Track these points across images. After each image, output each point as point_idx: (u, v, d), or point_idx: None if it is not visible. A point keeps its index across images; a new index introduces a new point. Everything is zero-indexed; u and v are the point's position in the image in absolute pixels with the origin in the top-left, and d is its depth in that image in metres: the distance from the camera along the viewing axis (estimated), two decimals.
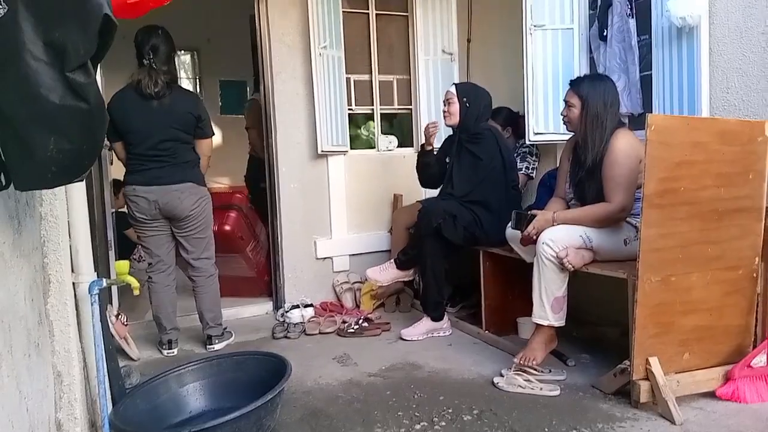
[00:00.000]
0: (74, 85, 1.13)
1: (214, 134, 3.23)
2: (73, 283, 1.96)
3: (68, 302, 1.85)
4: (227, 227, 3.76)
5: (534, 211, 2.71)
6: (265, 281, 4.13)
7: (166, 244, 3.14)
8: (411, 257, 3.36)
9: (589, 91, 2.58)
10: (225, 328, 3.29)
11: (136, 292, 2.08)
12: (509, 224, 2.81)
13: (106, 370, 1.99)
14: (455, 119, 3.30)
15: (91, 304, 1.96)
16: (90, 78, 1.15)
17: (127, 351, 3.03)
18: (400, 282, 3.81)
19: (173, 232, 3.12)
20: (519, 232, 2.72)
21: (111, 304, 3.37)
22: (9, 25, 1.10)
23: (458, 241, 3.15)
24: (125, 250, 4.51)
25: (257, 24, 3.91)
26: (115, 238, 3.87)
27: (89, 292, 1.96)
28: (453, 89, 3.34)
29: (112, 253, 3.63)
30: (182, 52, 6.92)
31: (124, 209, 5.02)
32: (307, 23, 3.85)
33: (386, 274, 3.43)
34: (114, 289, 3.62)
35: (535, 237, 2.61)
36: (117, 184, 4.81)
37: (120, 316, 3.13)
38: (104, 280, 2.01)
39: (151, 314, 3.26)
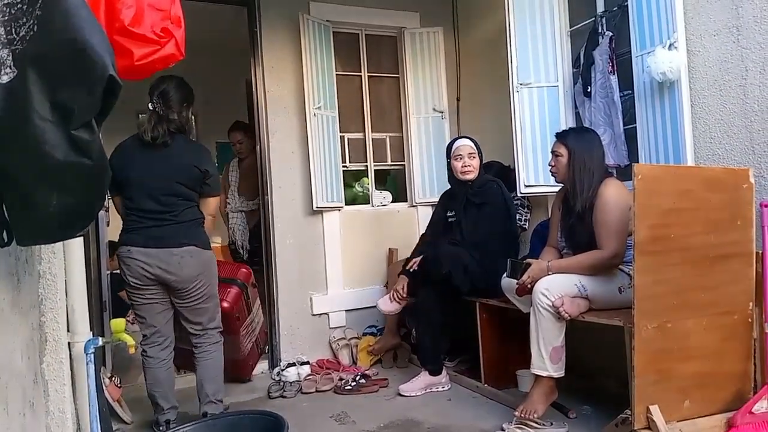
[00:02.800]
0: (78, 142, 1.15)
1: (220, 193, 2.96)
2: (69, 343, 1.94)
3: (64, 361, 1.84)
4: (226, 304, 3.29)
5: (529, 260, 2.73)
6: (250, 366, 3.76)
7: (164, 312, 2.74)
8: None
9: (575, 141, 2.68)
10: (227, 407, 2.90)
11: (132, 351, 2.06)
12: (504, 273, 2.83)
13: None
14: (476, 173, 3.38)
15: (86, 364, 1.94)
16: (93, 135, 1.18)
17: (120, 414, 2.97)
18: (397, 337, 3.80)
19: (172, 301, 2.74)
20: (514, 281, 2.73)
21: (104, 366, 3.32)
22: (18, 88, 1.13)
23: (465, 289, 3.15)
24: (119, 312, 4.46)
25: (254, 87, 4.04)
26: (110, 300, 3.85)
27: (85, 351, 1.94)
28: (471, 143, 3.41)
29: (106, 315, 3.59)
30: None
31: (119, 270, 5.05)
32: (302, 85, 3.97)
33: (392, 305, 3.44)
34: (107, 350, 3.57)
35: (530, 286, 2.62)
36: (112, 245, 4.83)
37: (113, 378, 3.08)
38: (100, 338, 2.00)
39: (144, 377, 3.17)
